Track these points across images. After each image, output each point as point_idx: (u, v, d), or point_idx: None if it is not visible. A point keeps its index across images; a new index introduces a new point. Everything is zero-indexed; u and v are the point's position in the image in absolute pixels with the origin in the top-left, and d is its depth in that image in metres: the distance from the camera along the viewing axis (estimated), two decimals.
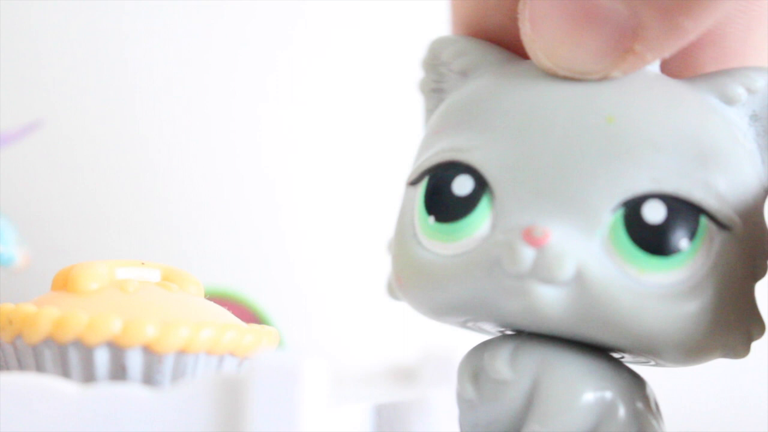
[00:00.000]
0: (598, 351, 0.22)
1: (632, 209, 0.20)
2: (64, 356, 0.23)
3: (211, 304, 0.26)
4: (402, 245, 0.22)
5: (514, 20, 0.22)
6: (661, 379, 0.24)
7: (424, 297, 0.22)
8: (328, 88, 0.49)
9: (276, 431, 0.19)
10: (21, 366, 0.24)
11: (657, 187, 0.20)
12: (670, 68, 0.22)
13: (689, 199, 0.20)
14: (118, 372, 0.23)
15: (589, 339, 0.21)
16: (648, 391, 0.22)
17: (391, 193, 0.47)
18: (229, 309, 0.26)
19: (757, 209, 0.21)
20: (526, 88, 0.22)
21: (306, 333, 0.46)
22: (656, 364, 0.22)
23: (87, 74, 0.49)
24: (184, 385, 0.20)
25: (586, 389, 0.21)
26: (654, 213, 0.20)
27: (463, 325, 0.23)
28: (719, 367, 0.23)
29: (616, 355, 0.22)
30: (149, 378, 0.23)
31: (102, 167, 0.49)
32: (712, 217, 0.20)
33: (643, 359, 0.22)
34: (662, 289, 0.20)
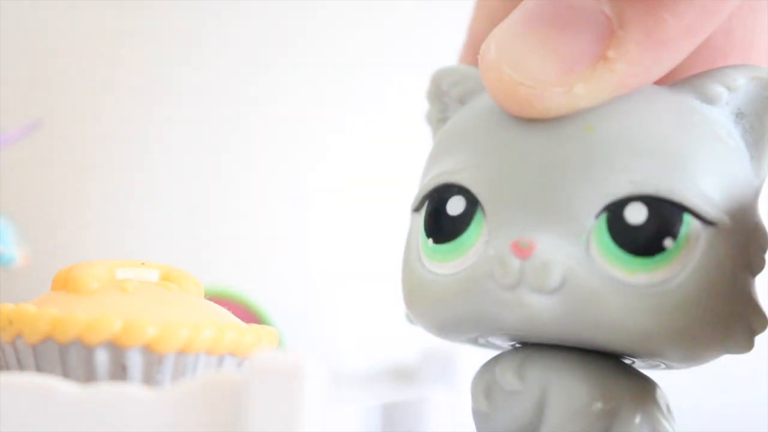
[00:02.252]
0: (607, 357, 0.22)
1: (615, 213, 0.21)
2: (64, 356, 0.23)
3: (211, 304, 0.26)
4: (408, 269, 0.23)
5: None
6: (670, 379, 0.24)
7: (431, 317, 0.23)
8: (329, 91, 0.49)
9: (276, 431, 0.19)
10: (21, 366, 0.24)
11: (637, 189, 0.21)
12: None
13: (670, 199, 0.20)
14: (118, 372, 0.23)
15: (589, 344, 0.21)
16: (659, 394, 0.22)
17: (390, 194, 0.47)
18: (229, 309, 0.26)
19: (745, 203, 0.21)
20: None
21: (306, 333, 0.46)
22: (667, 367, 0.22)
23: (87, 74, 0.49)
24: (184, 385, 0.20)
25: (595, 396, 0.21)
26: (636, 214, 0.20)
27: (474, 342, 0.23)
28: (721, 367, 0.23)
29: (626, 361, 0.22)
30: (149, 378, 0.23)
31: (102, 167, 0.49)
32: (695, 214, 0.21)
33: (653, 362, 0.22)
34: (651, 288, 0.20)
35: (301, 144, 0.49)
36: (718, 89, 0.22)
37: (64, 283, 0.25)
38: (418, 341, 0.32)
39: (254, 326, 0.25)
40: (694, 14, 0.20)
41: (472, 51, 0.25)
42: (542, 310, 0.21)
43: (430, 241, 0.22)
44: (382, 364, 0.39)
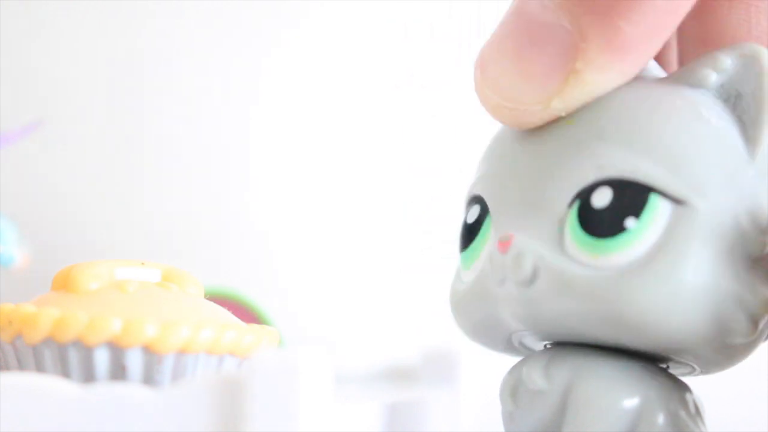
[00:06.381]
0: (637, 358, 0.22)
1: (584, 199, 0.21)
2: (64, 356, 0.23)
3: (211, 304, 0.26)
4: (453, 282, 0.24)
5: None
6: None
7: (463, 325, 0.23)
8: (326, 93, 0.49)
9: (275, 431, 0.19)
10: (21, 366, 0.24)
11: (602, 174, 0.21)
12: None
13: (635, 180, 0.21)
14: (118, 372, 0.23)
15: (578, 336, 0.21)
16: (688, 395, 0.22)
17: (390, 194, 0.47)
18: (229, 309, 0.26)
19: (730, 183, 0.21)
20: None
21: (306, 333, 0.46)
22: (701, 372, 0.22)
23: (88, 74, 0.49)
24: (184, 385, 0.20)
25: (618, 395, 0.21)
26: (601, 198, 0.21)
27: (510, 347, 0.23)
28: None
29: (661, 365, 0.22)
30: (149, 378, 0.23)
31: (102, 167, 0.49)
32: (662, 193, 0.21)
33: (681, 362, 0.22)
34: (618, 270, 0.21)
35: (302, 145, 0.49)
36: (705, 71, 0.22)
37: (64, 283, 0.25)
38: (418, 341, 0.32)
39: (254, 326, 0.25)
40: (649, 19, 0.20)
41: None
42: (525, 302, 0.21)
43: (460, 250, 0.23)
44: (382, 364, 0.39)
